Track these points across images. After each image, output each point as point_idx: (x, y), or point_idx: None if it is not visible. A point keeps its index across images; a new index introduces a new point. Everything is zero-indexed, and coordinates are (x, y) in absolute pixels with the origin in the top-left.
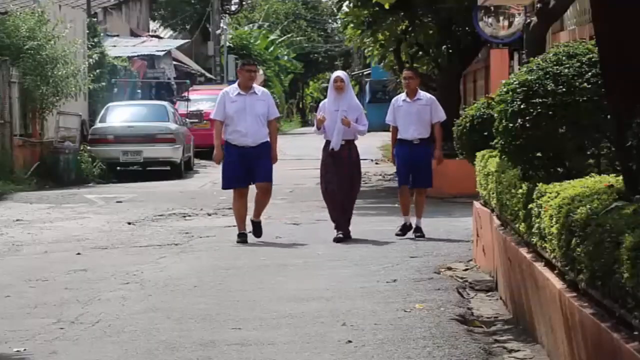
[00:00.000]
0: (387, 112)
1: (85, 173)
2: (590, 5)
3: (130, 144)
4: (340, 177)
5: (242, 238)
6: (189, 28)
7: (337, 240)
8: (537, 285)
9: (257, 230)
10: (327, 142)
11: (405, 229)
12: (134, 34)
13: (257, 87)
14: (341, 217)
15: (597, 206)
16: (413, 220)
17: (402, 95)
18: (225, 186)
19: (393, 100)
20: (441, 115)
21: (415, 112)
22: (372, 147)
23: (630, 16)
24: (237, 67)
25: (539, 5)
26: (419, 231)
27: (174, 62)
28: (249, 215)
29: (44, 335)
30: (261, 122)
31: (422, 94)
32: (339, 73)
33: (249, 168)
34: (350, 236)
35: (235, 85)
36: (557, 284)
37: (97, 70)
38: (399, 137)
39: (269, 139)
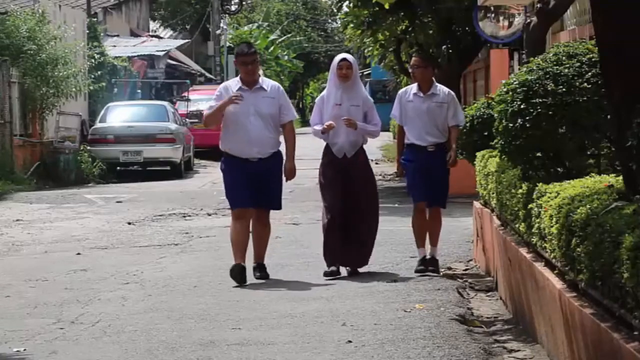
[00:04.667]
0: (393, 106)
1: (85, 173)
2: (590, 5)
3: (130, 144)
4: (347, 198)
5: (238, 273)
6: (189, 28)
7: (328, 274)
8: (537, 285)
9: (262, 270)
10: (328, 147)
11: (424, 262)
12: (134, 34)
13: (267, 81)
14: (339, 254)
15: (597, 206)
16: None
17: (413, 87)
18: (234, 206)
19: (401, 91)
20: (461, 118)
21: (427, 110)
22: (372, 147)
23: (630, 16)
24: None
25: (539, 5)
26: (434, 264)
27: (174, 62)
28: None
29: (44, 335)
30: (270, 126)
31: (439, 88)
32: (345, 55)
33: (257, 186)
34: (357, 271)
35: (238, 78)
36: (557, 284)
37: (98, 72)
38: (407, 141)
39: (279, 149)
